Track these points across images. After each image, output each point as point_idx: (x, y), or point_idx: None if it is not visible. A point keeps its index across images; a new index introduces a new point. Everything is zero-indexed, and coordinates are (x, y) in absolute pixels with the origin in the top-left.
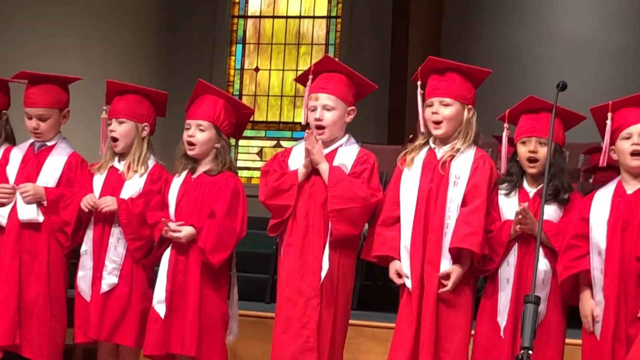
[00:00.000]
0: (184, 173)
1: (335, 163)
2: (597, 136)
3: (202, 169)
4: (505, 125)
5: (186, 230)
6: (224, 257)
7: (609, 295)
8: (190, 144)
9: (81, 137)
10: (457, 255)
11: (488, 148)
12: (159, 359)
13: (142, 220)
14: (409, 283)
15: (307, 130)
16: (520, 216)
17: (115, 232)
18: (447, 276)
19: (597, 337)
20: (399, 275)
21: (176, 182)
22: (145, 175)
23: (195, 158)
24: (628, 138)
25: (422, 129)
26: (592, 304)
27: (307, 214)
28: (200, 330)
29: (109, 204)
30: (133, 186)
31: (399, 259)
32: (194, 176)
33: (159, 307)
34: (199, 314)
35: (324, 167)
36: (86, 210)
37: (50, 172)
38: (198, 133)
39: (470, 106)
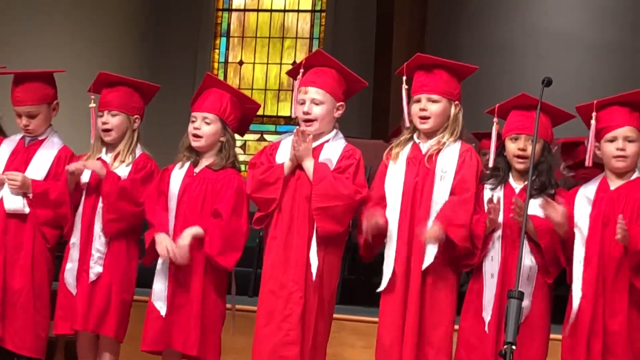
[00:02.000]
0: (187, 165)
1: (321, 157)
2: (578, 132)
3: (205, 162)
4: (495, 119)
5: (184, 250)
6: (235, 258)
7: (587, 290)
8: (196, 136)
9: (65, 129)
10: None
11: (471, 143)
12: (155, 354)
13: (123, 195)
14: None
15: (297, 127)
16: (490, 205)
17: (100, 221)
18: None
19: (568, 331)
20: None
21: (178, 174)
22: (131, 165)
23: (198, 151)
24: (613, 141)
25: (407, 124)
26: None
27: (292, 208)
28: (202, 329)
29: (97, 166)
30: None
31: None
32: (197, 170)
33: (159, 304)
34: (201, 312)
35: (308, 164)
36: (71, 170)
37: (39, 166)
38: (204, 126)
39: (457, 102)
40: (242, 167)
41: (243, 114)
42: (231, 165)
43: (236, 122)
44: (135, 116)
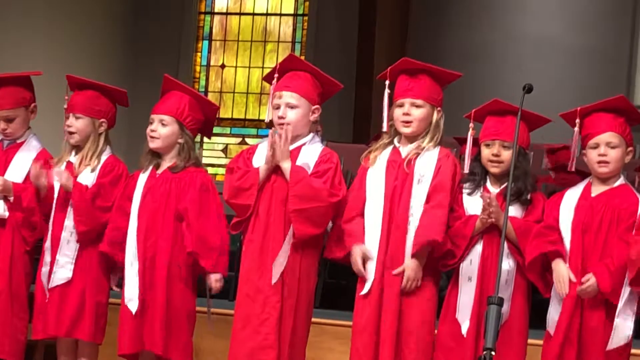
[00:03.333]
0: (149, 169)
1: (299, 161)
2: (560, 138)
3: (166, 164)
4: (471, 124)
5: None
6: (214, 257)
7: (568, 297)
8: (153, 138)
9: (46, 131)
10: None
11: (452, 149)
12: (131, 357)
13: (92, 205)
14: (369, 277)
15: (272, 129)
16: (486, 204)
17: (68, 227)
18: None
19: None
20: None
21: (142, 178)
22: (98, 169)
23: (159, 153)
24: (595, 147)
25: (385, 129)
26: (566, 268)
27: (268, 212)
28: (167, 327)
29: (64, 177)
30: (84, 180)
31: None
32: (159, 172)
33: (132, 304)
34: (166, 311)
35: (286, 166)
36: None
37: (18, 169)
38: (160, 127)
39: (439, 108)
40: (221, 171)
41: (204, 115)
42: (193, 165)
43: (195, 123)
44: (101, 120)
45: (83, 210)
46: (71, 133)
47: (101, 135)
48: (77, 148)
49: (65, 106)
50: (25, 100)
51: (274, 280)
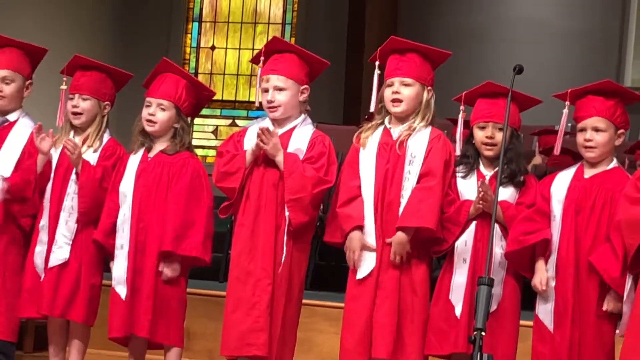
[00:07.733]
0: (141, 151)
1: (291, 145)
2: (550, 119)
3: (158, 147)
4: (462, 107)
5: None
6: (193, 243)
7: (564, 277)
8: (150, 122)
9: (35, 113)
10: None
11: (443, 130)
12: (122, 341)
13: (99, 186)
14: (372, 260)
15: (260, 126)
16: (481, 192)
17: (67, 207)
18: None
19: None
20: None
21: (133, 160)
22: (99, 151)
23: (150, 135)
24: (582, 131)
25: (373, 109)
26: (545, 274)
27: (259, 195)
28: (155, 312)
29: (78, 153)
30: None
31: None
32: (151, 155)
33: (120, 288)
34: (155, 296)
35: (279, 159)
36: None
37: (12, 147)
38: (159, 112)
39: (429, 88)
40: (212, 152)
41: (197, 99)
42: (186, 149)
43: (190, 108)
44: (106, 102)
45: (89, 189)
46: (76, 114)
47: (104, 118)
48: (76, 129)
49: (64, 86)
50: (25, 69)
51: (279, 270)
